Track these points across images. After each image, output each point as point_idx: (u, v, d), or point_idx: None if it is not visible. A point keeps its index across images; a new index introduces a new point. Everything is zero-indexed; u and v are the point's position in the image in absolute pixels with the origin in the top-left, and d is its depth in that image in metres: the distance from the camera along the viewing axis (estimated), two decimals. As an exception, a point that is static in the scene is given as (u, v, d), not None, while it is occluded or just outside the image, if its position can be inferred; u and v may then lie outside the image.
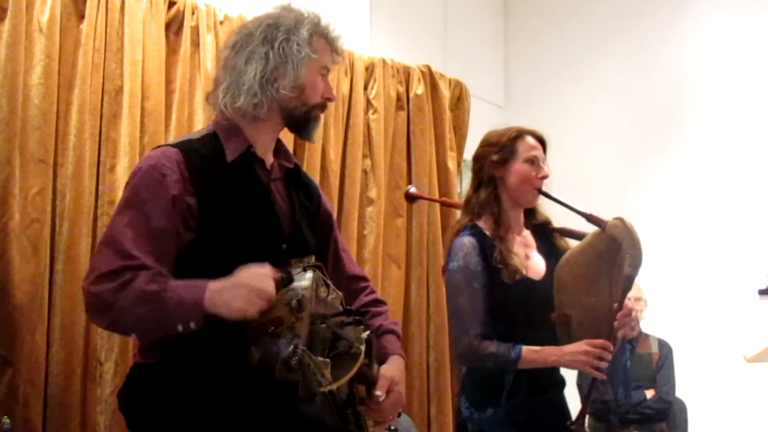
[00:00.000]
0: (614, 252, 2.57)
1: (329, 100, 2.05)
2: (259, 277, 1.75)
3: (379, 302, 2.21)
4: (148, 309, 1.74)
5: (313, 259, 1.98)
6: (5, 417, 2.91)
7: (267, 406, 1.80)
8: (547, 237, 2.77)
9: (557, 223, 2.80)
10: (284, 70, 1.94)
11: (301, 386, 1.70)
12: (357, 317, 1.86)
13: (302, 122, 2.01)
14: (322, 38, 2.01)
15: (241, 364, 1.75)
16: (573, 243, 2.77)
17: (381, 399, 1.94)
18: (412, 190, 3.44)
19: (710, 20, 5.14)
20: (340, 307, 1.88)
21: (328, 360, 1.74)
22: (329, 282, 1.89)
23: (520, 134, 2.68)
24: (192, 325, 1.73)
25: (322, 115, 2.08)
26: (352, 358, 1.80)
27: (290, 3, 2.05)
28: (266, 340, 1.71)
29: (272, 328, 1.72)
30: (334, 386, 1.75)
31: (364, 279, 2.24)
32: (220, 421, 1.80)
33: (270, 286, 1.73)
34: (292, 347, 1.68)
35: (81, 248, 3.26)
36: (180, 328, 1.73)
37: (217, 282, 1.75)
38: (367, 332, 1.87)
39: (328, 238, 2.17)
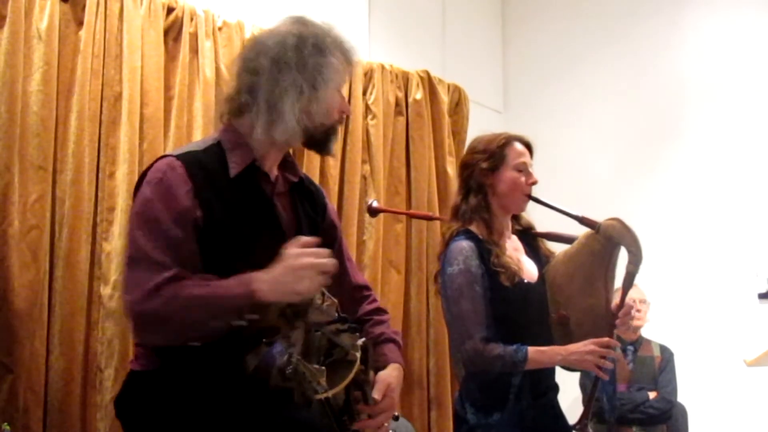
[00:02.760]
0: (610, 252, 2.58)
1: (345, 113, 2.05)
2: (308, 255, 1.77)
3: (381, 311, 2.21)
4: (206, 312, 1.74)
5: None
6: (5, 424, 2.92)
7: (263, 414, 1.80)
8: (530, 241, 2.79)
9: (547, 227, 2.81)
10: (315, 98, 1.92)
11: (297, 394, 1.70)
12: (352, 325, 1.86)
13: (322, 141, 2.01)
14: (341, 55, 1.99)
15: (237, 372, 1.74)
16: (552, 245, 2.79)
17: (378, 401, 1.94)
18: (375, 204, 3.41)
19: (707, 24, 5.14)
20: (336, 315, 1.88)
21: (323, 368, 1.74)
22: (324, 289, 1.89)
23: (508, 141, 2.68)
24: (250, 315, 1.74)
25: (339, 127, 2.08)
26: (348, 366, 1.80)
27: (303, 17, 2.01)
28: (261, 349, 1.71)
29: (267, 337, 1.72)
30: (329, 394, 1.75)
31: (367, 288, 2.24)
32: (217, 428, 1.80)
33: (322, 260, 1.77)
34: (286, 356, 1.68)
35: (80, 255, 3.27)
36: (241, 322, 1.73)
37: (261, 273, 1.75)
38: (362, 339, 1.86)
39: (331, 246, 2.14)
